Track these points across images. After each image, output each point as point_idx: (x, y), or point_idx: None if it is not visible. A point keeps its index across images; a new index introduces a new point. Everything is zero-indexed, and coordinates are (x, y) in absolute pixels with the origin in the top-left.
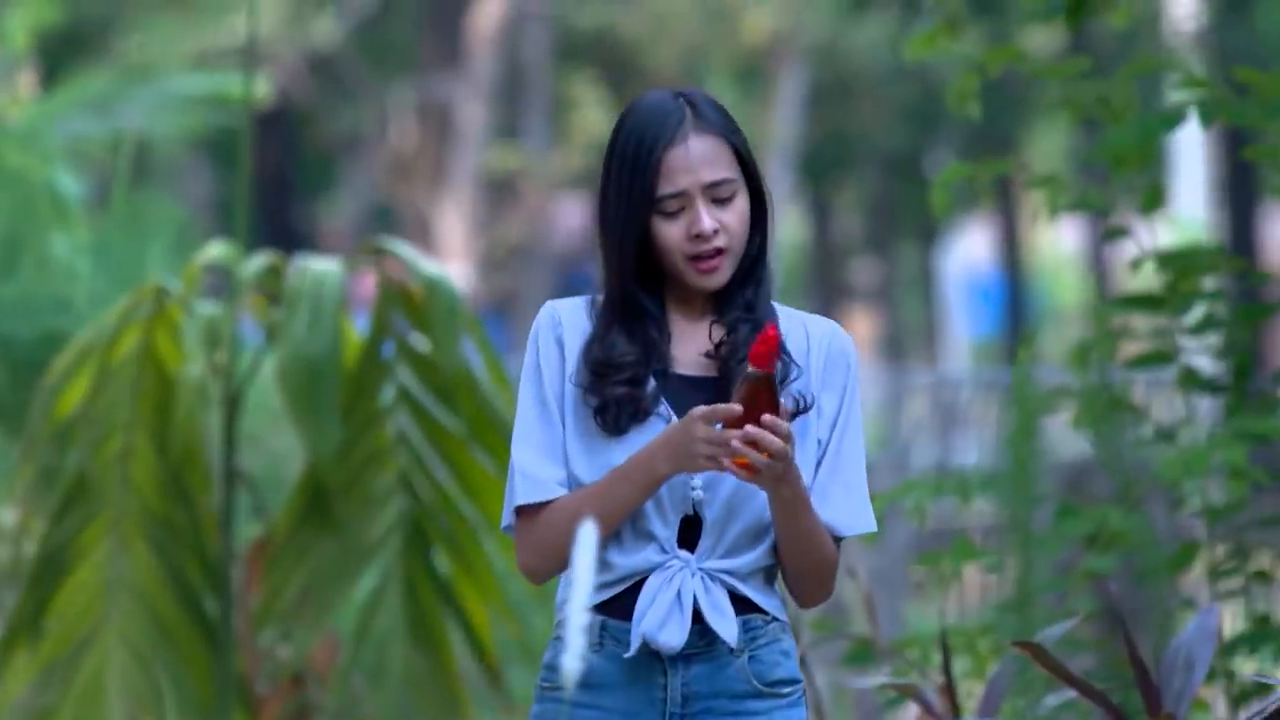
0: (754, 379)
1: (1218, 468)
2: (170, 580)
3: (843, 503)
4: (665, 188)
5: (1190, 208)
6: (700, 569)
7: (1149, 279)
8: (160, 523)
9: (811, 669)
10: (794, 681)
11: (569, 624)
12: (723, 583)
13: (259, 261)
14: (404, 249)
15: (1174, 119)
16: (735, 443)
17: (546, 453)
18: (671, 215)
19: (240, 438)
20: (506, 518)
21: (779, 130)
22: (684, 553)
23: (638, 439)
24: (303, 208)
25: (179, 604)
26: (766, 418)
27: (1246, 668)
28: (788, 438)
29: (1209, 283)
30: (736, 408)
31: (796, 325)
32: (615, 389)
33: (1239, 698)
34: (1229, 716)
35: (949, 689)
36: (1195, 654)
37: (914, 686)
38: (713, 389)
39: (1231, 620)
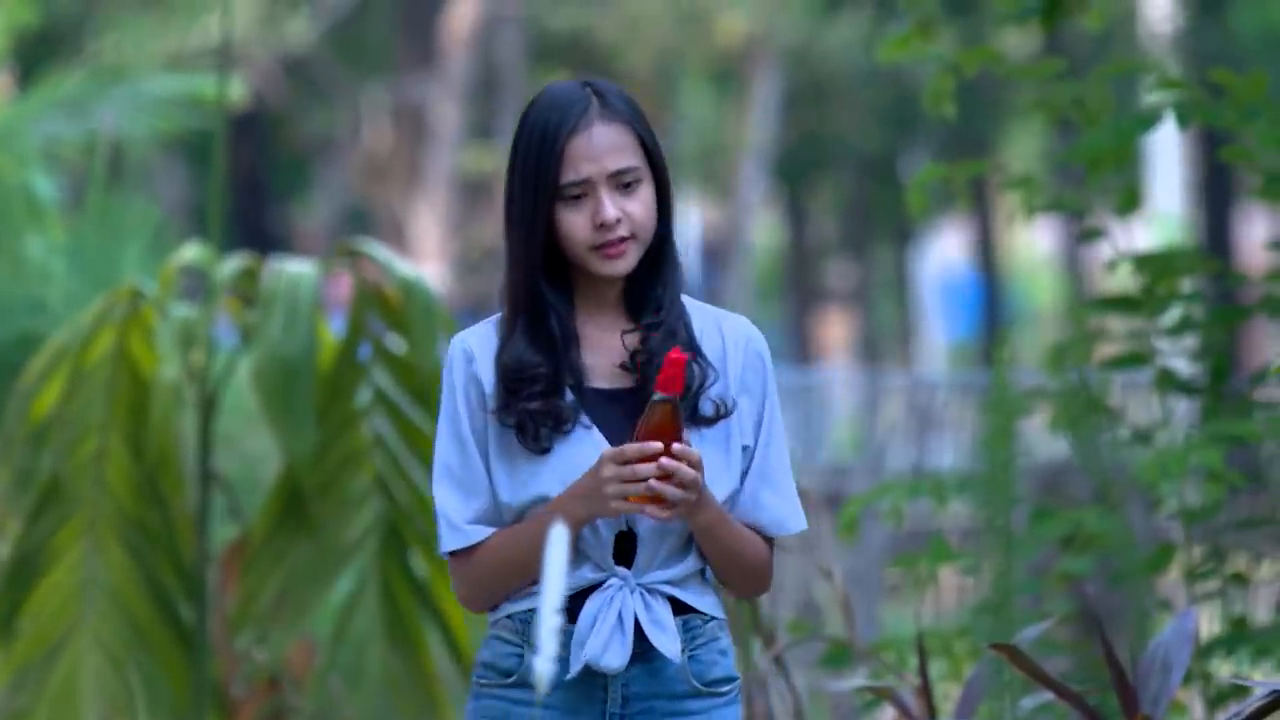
0: (662, 406)
1: (1194, 470)
2: (145, 582)
3: (773, 505)
4: (569, 175)
5: (1166, 207)
6: (639, 585)
7: (1125, 280)
8: (135, 525)
9: (790, 670)
10: (731, 680)
11: (540, 627)
12: (661, 594)
13: (234, 263)
14: (379, 250)
15: (1150, 120)
16: (653, 482)
17: (468, 494)
18: (575, 203)
19: (215, 440)
20: (440, 547)
21: (754, 133)
22: (621, 569)
23: (564, 452)
24: (277, 209)
25: (154, 606)
26: (677, 447)
27: (1223, 670)
28: (698, 464)
29: (1186, 284)
30: (651, 445)
31: (711, 325)
32: (530, 403)
33: (1216, 700)
34: (1206, 719)
35: (926, 691)
36: (1172, 656)
37: (891, 689)
38: (631, 401)
39: (1208, 622)
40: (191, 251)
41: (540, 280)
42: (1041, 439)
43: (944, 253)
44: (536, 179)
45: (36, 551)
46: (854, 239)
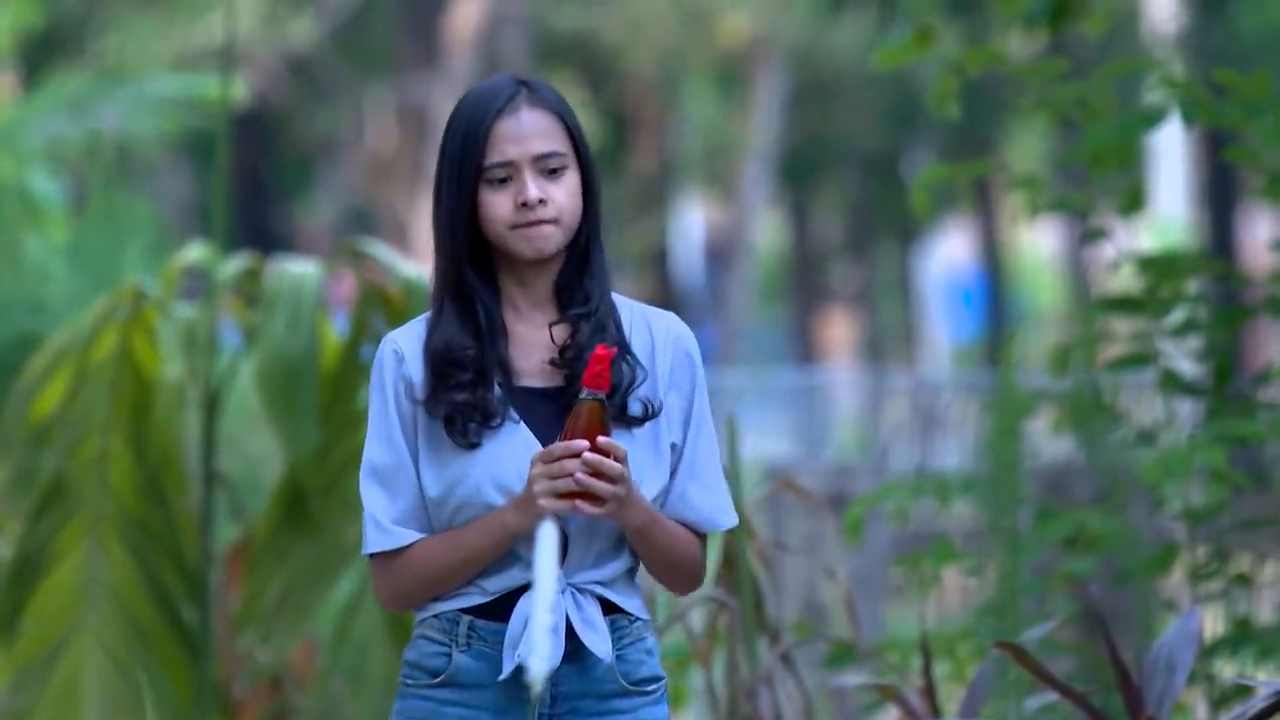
0: (589, 405)
1: (1198, 470)
2: (148, 583)
3: (702, 501)
4: (493, 156)
5: (1170, 208)
6: (570, 585)
7: (1129, 281)
8: (138, 525)
9: (799, 670)
10: (658, 679)
11: (534, 623)
12: (591, 594)
13: (237, 263)
14: (382, 250)
15: (1153, 119)
16: (580, 475)
17: (395, 494)
18: (500, 186)
19: (218, 440)
20: (365, 548)
21: (758, 133)
22: None
23: (492, 448)
24: (281, 209)
25: (156, 607)
26: (602, 440)
27: (1227, 670)
28: (623, 458)
29: (1190, 286)
30: (578, 443)
31: (639, 321)
32: (458, 394)
33: (1220, 700)
34: (1210, 719)
35: (930, 691)
36: (1176, 657)
37: (895, 689)
38: (560, 399)
39: (1212, 623)
40: (194, 251)
41: (466, 266)
42: (1045, 440)
43: (948, 253)
44: (461, 161)
45: (39, 551)
46: (858, 239)
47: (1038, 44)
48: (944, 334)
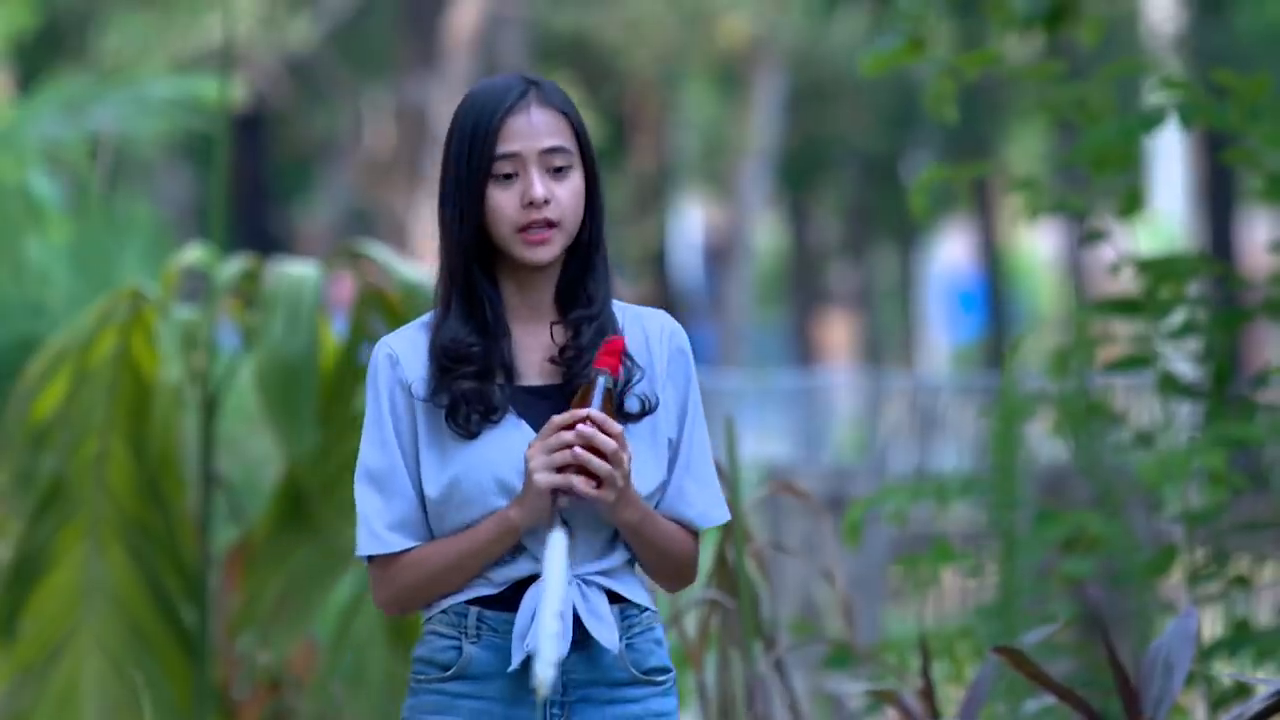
0: (594, 382)
1: (1197, 473)
2: (147, 585)
3: (697, 497)
4: (501, 148)
5: (1169, 208)
6: (575, 576)
7: (1128, 283)
8: (137, 527)
9: (789, 673)
10: (666, 670)
11: (540, 629)
12: (597, 585)
13: (236, 265)
14: (381, 252)
15: (1154, 120)
16: (577, 450)
17: (390, 497)
18: (505, 183)
19: (217, 442)
20: (358, 551)
21: (757, 135)
22: None
23: (492, 438)
24: (279, 211)
25: (156, 608)
26: (595, 414)
27: (1225, 672)
28: (619, 436)
29: (1189, 288)
30: (576, 414)
31: (632, 321)
32: (462, 384)
33: (1218, 702)
34: None
35: (928, 694)
36: (1175, 658)
37: (893, 691)
38: (559, 396)
39: (1211, 625)
40: (193, 253)
41: (473, 263)
42: (1044, 442)
43: (946, 255)
44: (470, 155)
45: (38, 553)
46: (857, 241)
47: (1035, 45)
48: (943, 336)
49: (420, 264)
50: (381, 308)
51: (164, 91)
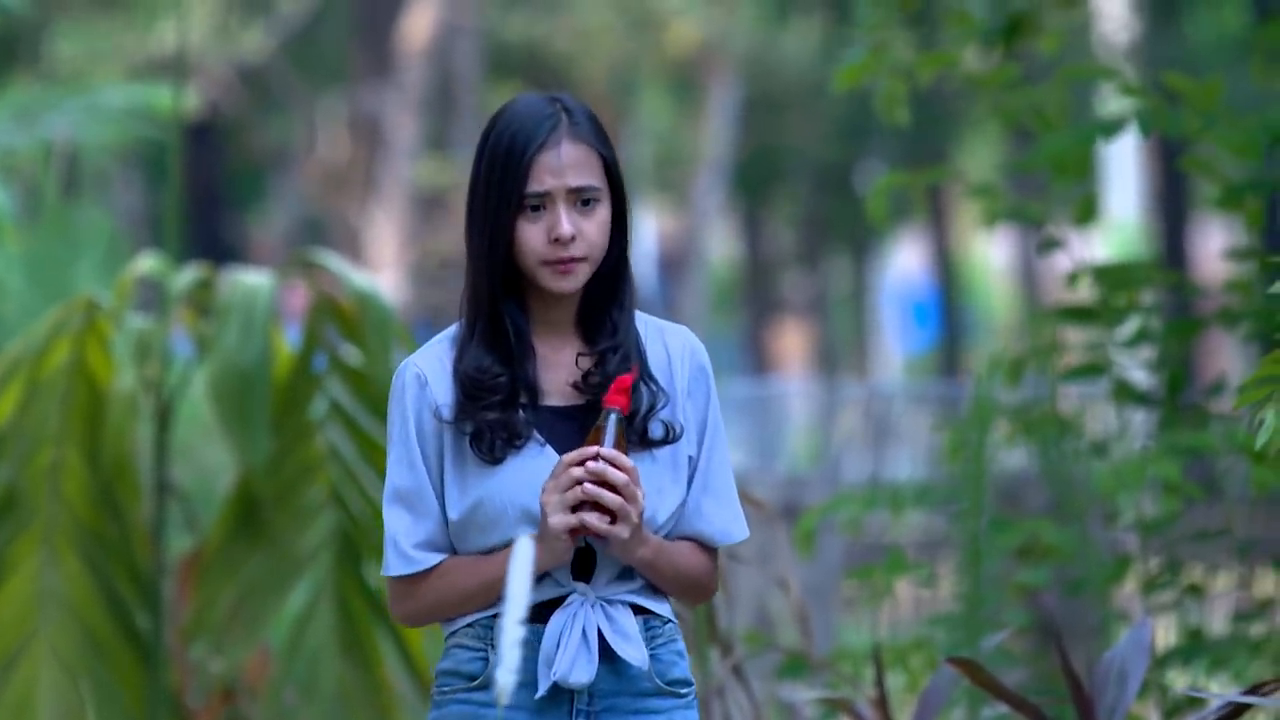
0: (606, 421)
1: (1151, 481)
2: (102, 593)
3: (716, 514)
4: (532, 186)
5: (1123, 214)
6: (599, 598)
7: (1082, 291)
8: (91, 535)
9: (749, 680)
10: (689, 683)
11: (503, 639)
12: (622, 602)
13: (190, 274)
14: (335, 261)
15: (1112, 127)
16: (588, 486)
17: (418, 517)
18: (534, 215)
19: (171, 450)
20: (386, 570)
21: (710, 143)
22: (580, 584)
23: (516, 464)
24: (233, 219)
25: (110, 617)
26: (606, 451)
27: (1179, 681)
28: (631, 471)
29: (1143, 296)
30: (586, 451)
31: (654, 337)
32: (488, 414)
33: (1172, 711)
34: None
35: (882, 703)
36: (1128, 667)
37: (847, 700)
38: (583, 417)
39: (1165, 634)
40: (147, 262)
41: (500, 291)
42: (999, 450)
43: (900, 264)
44: (502, 188)
45: None
46: (810, 250)
47: (991, 57)
48: (896, 345)
49: (373, 273)
50: (335, 317)
51: (118, 100)
